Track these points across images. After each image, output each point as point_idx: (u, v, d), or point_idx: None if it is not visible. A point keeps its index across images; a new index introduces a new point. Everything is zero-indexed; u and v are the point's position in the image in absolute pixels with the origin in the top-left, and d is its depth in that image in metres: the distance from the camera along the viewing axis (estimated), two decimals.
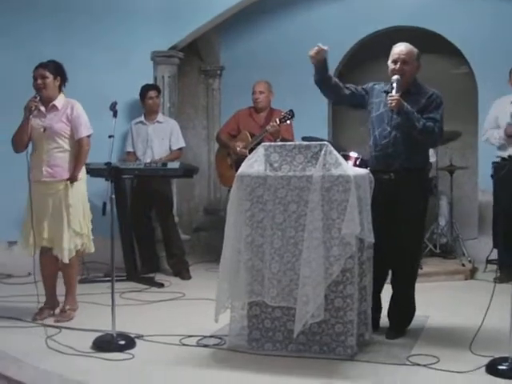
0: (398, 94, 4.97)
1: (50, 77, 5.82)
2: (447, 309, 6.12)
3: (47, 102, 5.85)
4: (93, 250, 6.01)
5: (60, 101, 5.88)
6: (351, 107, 5.59)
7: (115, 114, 5.37)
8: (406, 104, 5.00)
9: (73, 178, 5.80)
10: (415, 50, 5.18)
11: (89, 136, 5.89)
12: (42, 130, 5.79)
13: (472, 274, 7.56)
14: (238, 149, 7.62)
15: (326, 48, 4.97)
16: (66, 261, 5.78)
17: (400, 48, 5.16)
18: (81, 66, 7.63)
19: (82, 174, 5.93)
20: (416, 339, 5.16)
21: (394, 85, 5.01)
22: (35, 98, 5.74)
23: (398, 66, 5.11)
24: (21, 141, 5.83)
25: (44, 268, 6.00)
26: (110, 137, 5.21)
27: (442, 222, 8.26)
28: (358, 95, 5.35)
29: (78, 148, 5.86)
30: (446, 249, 8.11)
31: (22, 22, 7.87)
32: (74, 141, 5.87)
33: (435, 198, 8.09)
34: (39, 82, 5.79)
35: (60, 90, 5.93)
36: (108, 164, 5.28)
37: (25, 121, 5.76)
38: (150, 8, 8.18)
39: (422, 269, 7.33)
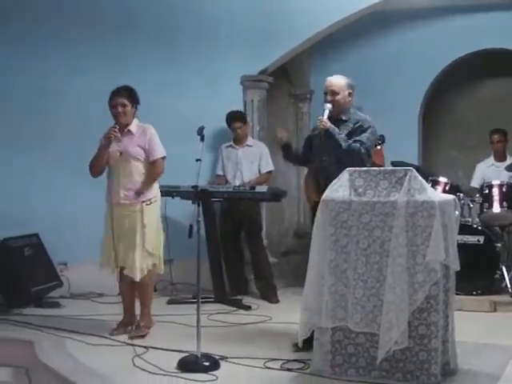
0: (325, 117, 5.55)
1: (129, 105, 6.02)
2: None
3: (123, 126, 6.03)
4: (163, 271, 6.20)
5: (134, 126, 6.07)
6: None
7: (202, 139, 5.47)
8: (332, 126, 5.56)
9: (138, 192, 5.94)
10: (344, 81, 5.71)
11: (163, 158, 6.05)
12: (118, 154, 5.98)
13: None
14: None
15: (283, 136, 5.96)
16: (137, 279, 5.95)
17: (329, 81, 5.72)
18: (174, 87, 7.81)
19: (157, 196, 6.10)
20: (503, 369, 5.01)
21: (326, 111, 5.59)
22: (115, 127, 5.93)
23: (328, 96, 5.65)
24: (98, 167, 6.04)
25: (121, 287, 6.22)
26: (197, 160, 5.31)
27: None
28: (308, 147, 5.97)
29: (152, 168, 6.02)
30: None
31: (118, 45, 8.10)
32: (148, 164, 6.03)
33: None
34: (120, 110, 5.98)
35: (134, 115, 6.11)
36: (195, 187, 5.37)
37: (104, 149, 5.96)
38: (239, 32, 8.28)
39: None
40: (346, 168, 5.22)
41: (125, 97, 6.01)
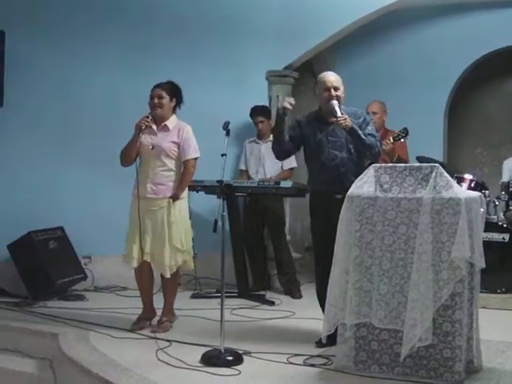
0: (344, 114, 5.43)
1: (167, 97, 5.99)
2: None
3: (159, 121, 6.02)
4: (193, 266, 6.18)
5: (172, 122, 6.05)
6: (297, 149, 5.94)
7: (228, 133, 5.48)
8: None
9: (174, 197, 5.95)
10: (340, 78, 5.68)
11: (195, 159, 6.02)
12: (150, 147, 5.96)
13: None
14: None
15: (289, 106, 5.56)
16: (168, 276, 5.95)
17: (329, 77, 5.65)
18: (200, 83, 7.83)
19: (184, 192, 6.08)
20: None
21: (336, 108, 5.43)
22: (147, 117, 5.90)
23: (332, 92, 5.54)
24: (128, 156, 6.00)
25: (140, 281, 6.19)
26: (222, 155, 5.31)
27: None
28: (296, 136, 5.72)
29: (184, 169, 6.02)
30: None
31: (146, 43, 8.11)
32: (180, 162, 6.03)
33: None
34: (156, 101, 5.97)
35: (173, 112, 6.09)
36: (220, 182, 5.37)
37: (134, 138, 5.93)
38: (265, 29, 8.29)
39: None
40: (366, 161, 5.43)
41: (164, 89, 5.99)
